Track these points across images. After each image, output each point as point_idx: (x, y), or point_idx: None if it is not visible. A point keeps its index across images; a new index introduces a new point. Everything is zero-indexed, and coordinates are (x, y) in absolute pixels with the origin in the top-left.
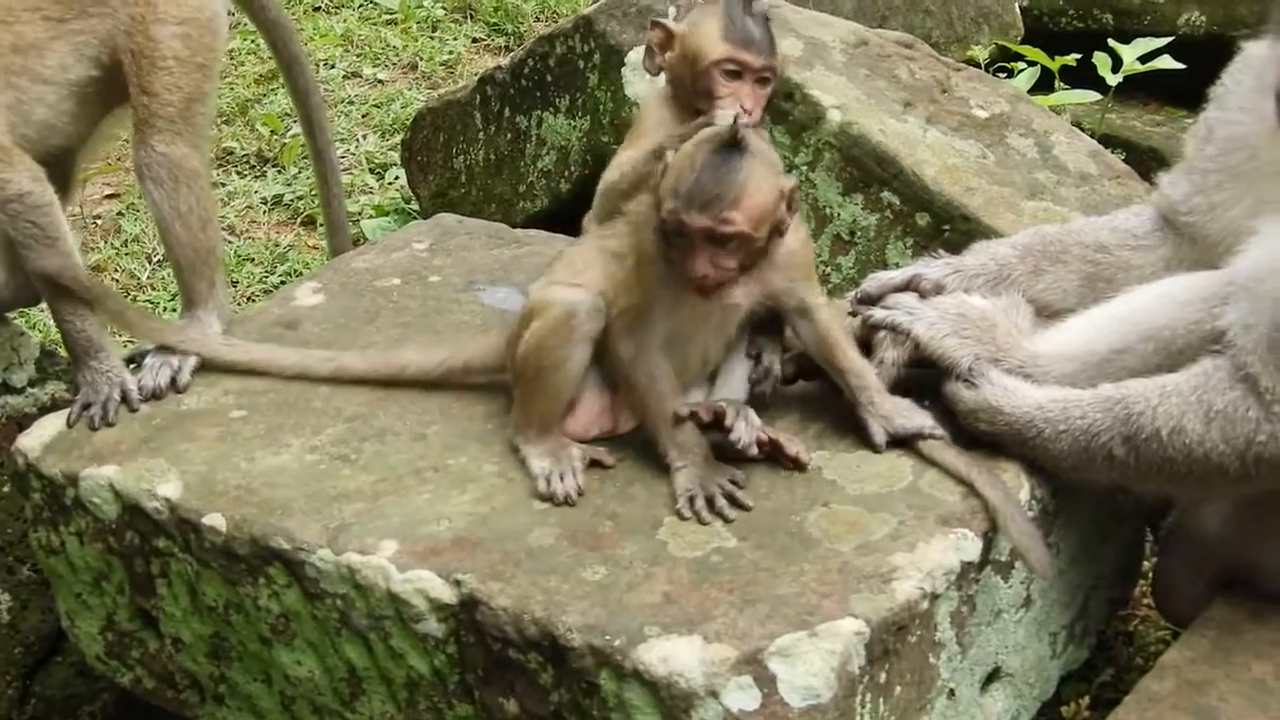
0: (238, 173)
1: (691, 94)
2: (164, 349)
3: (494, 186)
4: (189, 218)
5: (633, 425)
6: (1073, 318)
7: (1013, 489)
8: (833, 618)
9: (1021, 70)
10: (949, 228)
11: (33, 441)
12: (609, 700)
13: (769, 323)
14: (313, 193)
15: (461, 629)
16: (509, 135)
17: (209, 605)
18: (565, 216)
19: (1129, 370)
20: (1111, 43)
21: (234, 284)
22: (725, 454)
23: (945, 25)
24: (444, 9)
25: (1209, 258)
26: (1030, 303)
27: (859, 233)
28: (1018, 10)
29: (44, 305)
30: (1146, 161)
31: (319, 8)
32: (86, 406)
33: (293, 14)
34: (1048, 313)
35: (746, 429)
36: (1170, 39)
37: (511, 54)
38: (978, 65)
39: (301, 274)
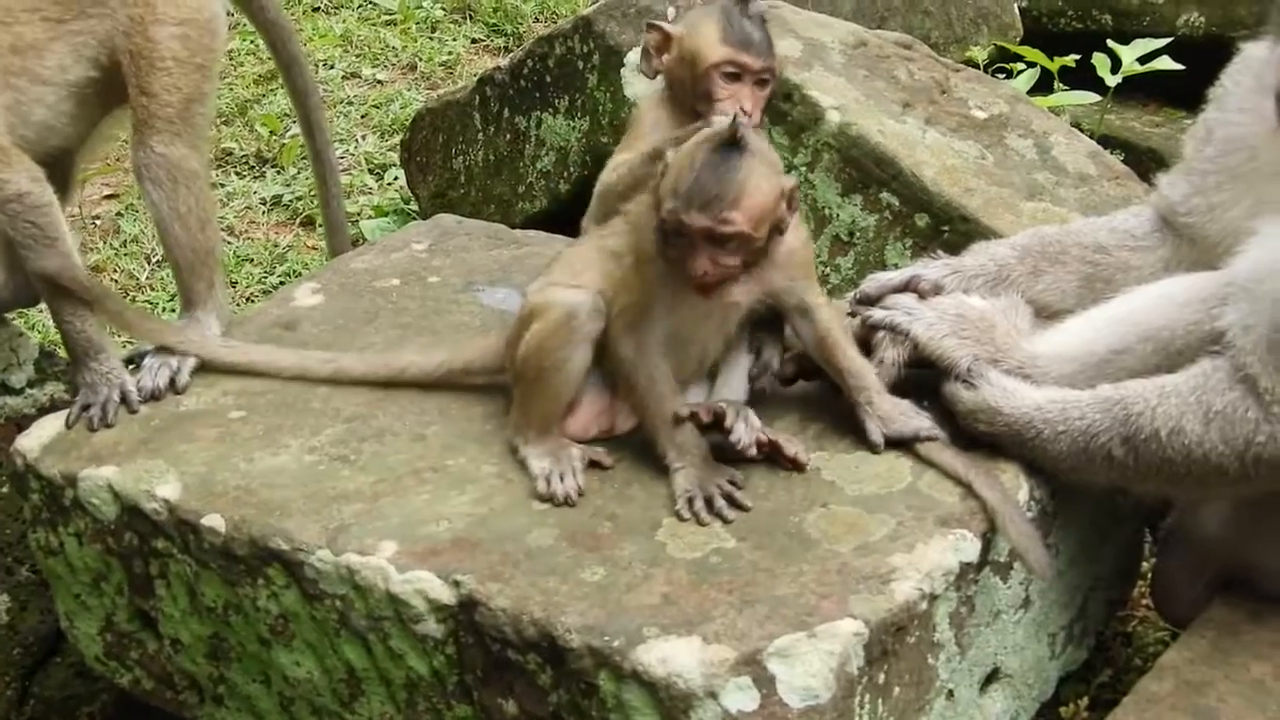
0: (237, 173)
1: (690, 96)
2: (163, 350)
3: (493, 187)
4: (188, 218)
5: (631, 426)
6: (1071, 318)
7: (1011, 490)
8: (831, 618)
9: (1020, 71)
10: (948, 228)
11: (32, 442)
12: (608, 701)
13: (769, 320)
14: (312, 193)
15: (460, 630)
16: (508, 136)
17: (208, 606)
18: (564, 217)
19: (1128, 371)
20: (1110, 43)
21: (233, 284)
22: (724, 455)
23: (944, 26)
24: (443, 9)
25: (1208, 258)
26: (1029, 303)
27: (858, 233)
28: (1016, 11)
29: (43, 306)
30: (1145, 162)
31: (318, 8)
32: (86, 407)
33: (292, 14)
34: (1047, 313)
35: (746, 430)
36: (1169, 40)
37: (511, 55)
38: (977, 66)
39: (300, 274)
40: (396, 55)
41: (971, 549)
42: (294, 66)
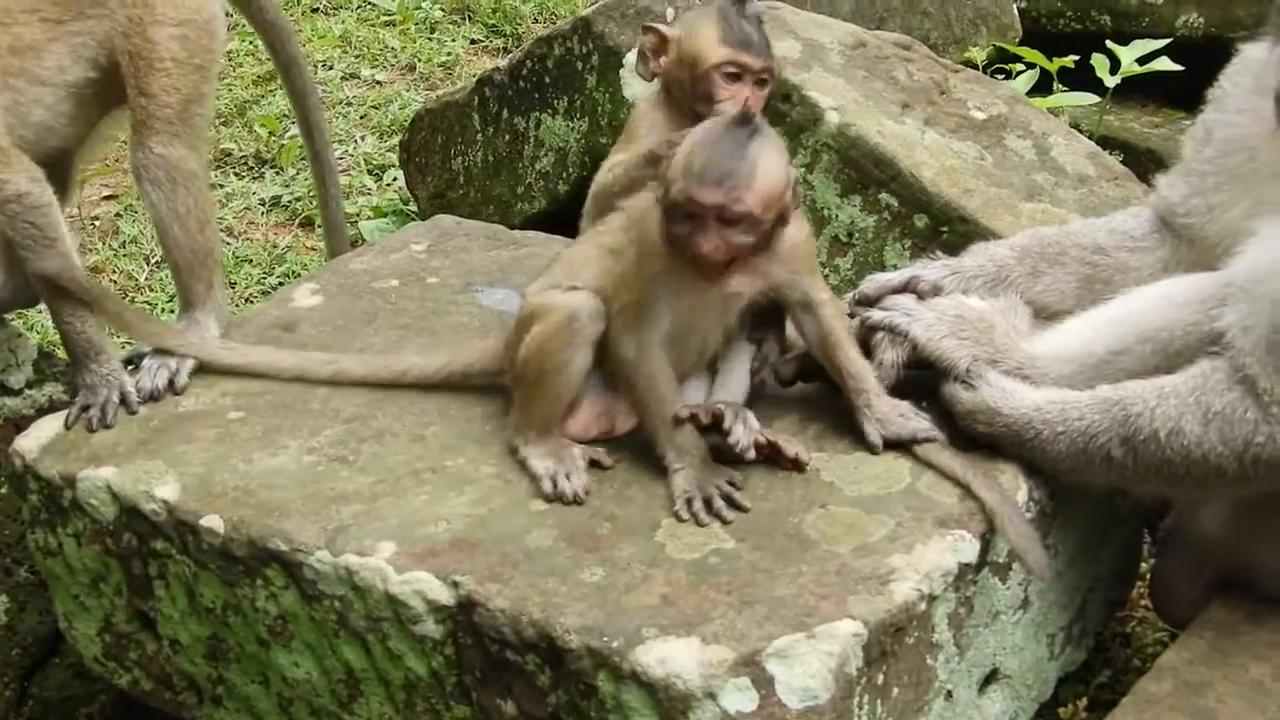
0: (236, 174)
1: (690, 98)
2: (162, 351)
3: (492, 188)
4: (187, 219)
5: (630, 427)
6: (1070, 319)
7: (1010, 490)
8: (830, 619)
9: (1019, 72)
10: (947, 229)
11: (30, 443)
12: (607, 702)
13: (770, 314)
14: (311, 194)
15: (459, 630)
16: (507, 137)
17: (207, 607)
18: (563, 218)
19: (1127, 372)
20: (1109, 44)
21: (232, 285)
22: (723, 456)
23: (943, 27)
24: (442, 10)
25: (1207, 259)
26: (1028, 304)
27: (857, 234)
28: (1015, 12)
29: (42, 307)
30: (1144, 163)
31: (317, 9)
32: (85, 408)
33: (291, 15)
34: (1046, 314)
35: (745, 432)
36: (1168, 41)
37: (510, 55)
38: (976, 67)
39: (299, 275)
40: (395, 56)
41: (970, 550)
42: (293, 67)
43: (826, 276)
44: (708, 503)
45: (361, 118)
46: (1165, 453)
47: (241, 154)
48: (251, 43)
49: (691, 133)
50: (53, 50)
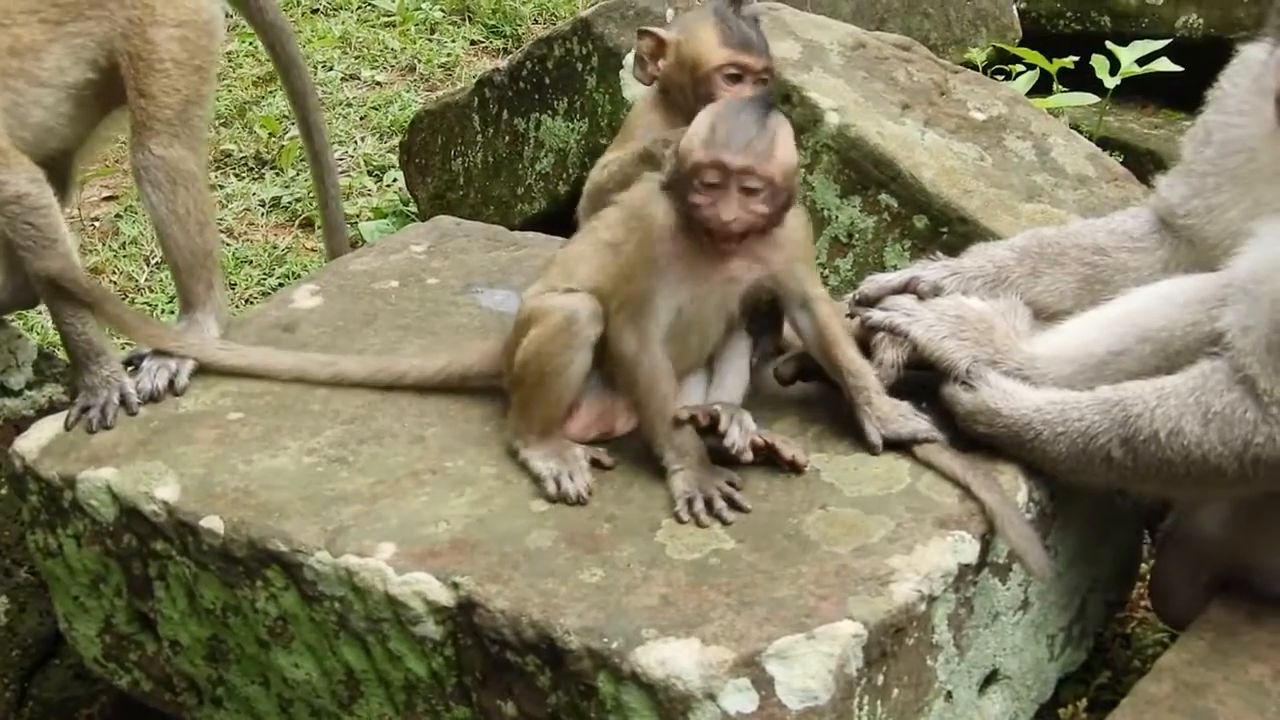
0: (235, 175)
1: (691, 100)
2: (162, 351)
3: (492, 189)
4: (186, 220)
5: (630, 428)
6: (1070, 320)
7: (1010, 491)
8: (830, 620)
9: (1019, 73)
10: (947, 230)
11: (30, 444)
12: (606, 703)
13: (768, 316)
14: (311, 195)
15: (459, 631)
16: (507, 137)
17: (207, 608)
18: (563, 219)
19: (1127, 372)
20: (1109, 45)
21: (232, 286)
22: (722, 457)
23: (943, 28)
24: (442, 11)
25: (1207, 260)
26: (1028, 305)
27: (857, 235)
28: (1015, 13)
29: (42, 308)
30: (1144, 164)
31: (317, 10)
32: (85, 409)
33: (291, 16)
34: (1045, 315)
35: (741, 433)
36: (1168, 41)
37: (510, 56)
38: (975, 68)
39: (299, 276)
40: (395, 57)
41: (970, 550)
42: (293, 68)
43: (826, 277)
44: (708, 503)
45: (361, 119)
46: (1165, 453)
47: (241, 155)
48: (251, 44)
49: (706, 110)
50: (52, 51)
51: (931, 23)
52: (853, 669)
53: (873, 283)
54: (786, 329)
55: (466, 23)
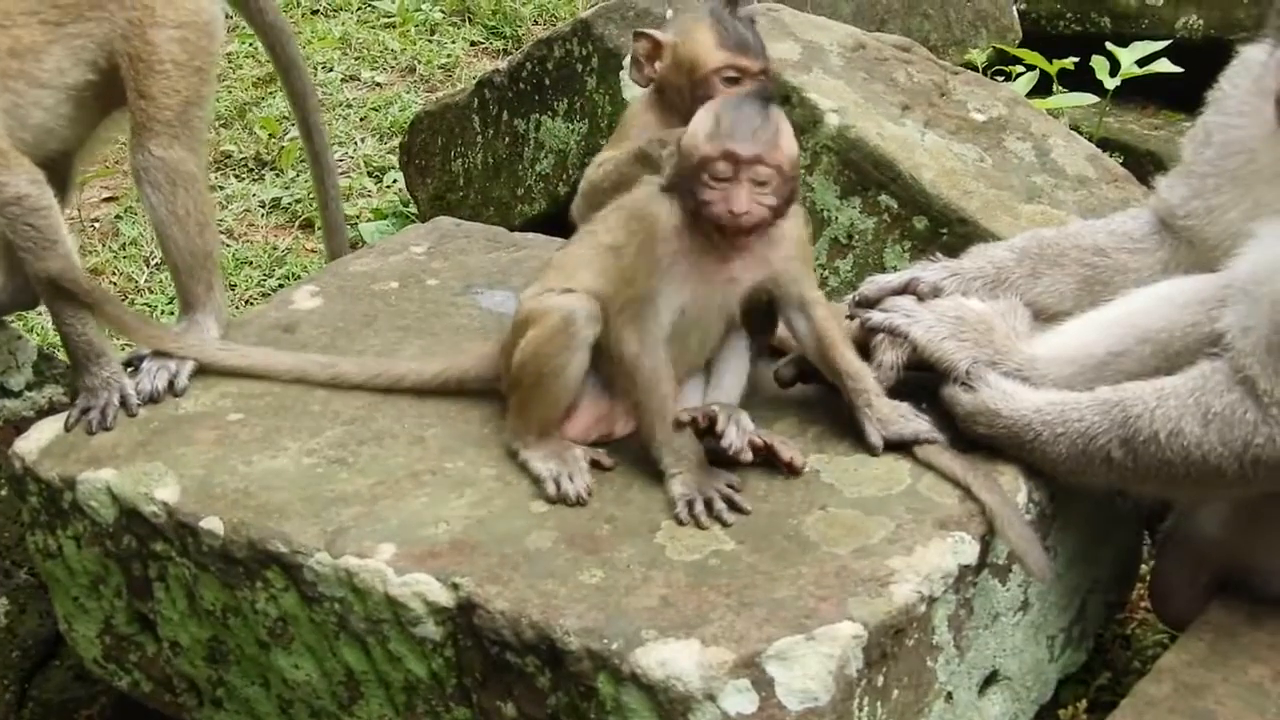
0: (235, 176)
1: (689, 101)
2: (161, 352)
3: (492, 190)
4: (186, 221)
5: (629, 430)
6: (1070, 321)
7: (1010, 492)
8: (830, 621)
9: (1019, 74)
10: (947, 231)
11: (30, 445)
12: (606, 703)
13: (765, 318)
14: (311, 196)
15: (459, 632)
16: (507, 138)
17: (207, 609)
18: (563, 220)
19: (1127, 373)
20: (1109, 46)
21: (232, 287)
22: (721, 458)
23: (943, 29)
24: (442, 12)
25: (1207, 261)
26: (1028, 306)
27: (857, 236)
28: (1015, 14)
29: (42, 309)
30: (1144, 165)
31: (317, 11)
32: (85, 410)
33: (291, 17)
34: (1045, 316)
35: (738, 434)
36: (1168, 42)
37: (510, 57)
38: (975, 69)
39: (299, 277)
40: (395, 58)
41: (970, 551)
42: (293, 69)
43: (826, 279)
44: (708, 505)
45: (361, 120)
46: (1165, 454)
47: (241, 156)
48: (251, 45)
49: (705, 107)
50: (52, 53)
51: (931, 24)
52: (853, 670)
53: (872, 284)
54: (782, 330)
55: (466, 24)
